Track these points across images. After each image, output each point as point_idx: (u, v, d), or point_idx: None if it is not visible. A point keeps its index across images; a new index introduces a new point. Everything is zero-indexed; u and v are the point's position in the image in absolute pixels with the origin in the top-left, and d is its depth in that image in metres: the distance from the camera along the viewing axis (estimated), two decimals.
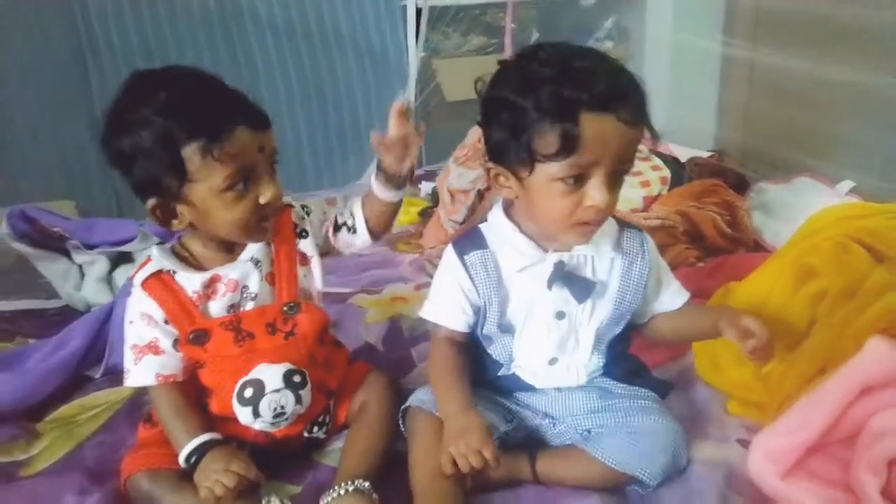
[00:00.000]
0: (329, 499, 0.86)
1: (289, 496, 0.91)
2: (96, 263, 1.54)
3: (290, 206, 0.98)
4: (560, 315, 0.90)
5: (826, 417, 0.87)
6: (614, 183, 0.81)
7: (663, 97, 2.61)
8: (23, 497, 0.95)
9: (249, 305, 0.93)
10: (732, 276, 1.28)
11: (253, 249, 0.93)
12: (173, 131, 0.82)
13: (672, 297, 0.96)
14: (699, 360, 1.16)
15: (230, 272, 0.92)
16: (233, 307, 0.92)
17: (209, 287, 0.91)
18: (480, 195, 1.74)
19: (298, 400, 0.92)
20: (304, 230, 0.98)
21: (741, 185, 1.82)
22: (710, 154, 2.06)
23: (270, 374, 0.91)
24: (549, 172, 0.79)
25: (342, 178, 2.51)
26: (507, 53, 2.51)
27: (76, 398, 1.20)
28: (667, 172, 1.77)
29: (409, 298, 1.50)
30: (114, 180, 2.30)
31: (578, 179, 0.79)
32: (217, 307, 0.92)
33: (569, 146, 0.76)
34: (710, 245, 1.59)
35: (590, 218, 0.82)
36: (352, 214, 1.00)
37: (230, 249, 0.94)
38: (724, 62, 2.36)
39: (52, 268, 1.57)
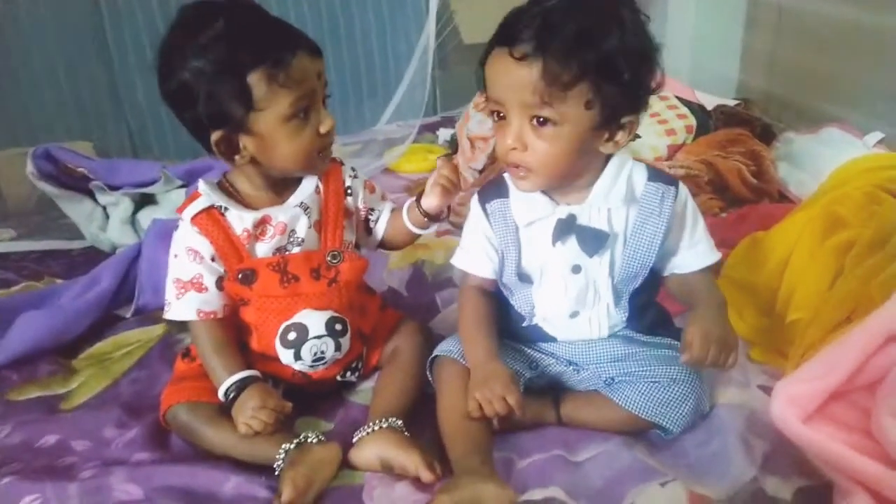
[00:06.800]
0: (363, 434, 0.89)
1: (322, 432, 0.94)
2: (120, 205, 1.55)
3: (342, 163, 0.99)
4: (576, 269, 0.89)
5: (850, 365, 0.88)
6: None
7: (686, 42, 2.55)
8: (66, 428, 0.98)
9: (295, 250, 0.93)
10: (758, 226, 1.27)
11: (303, 195, 0.93)
12: (238, 58, 0.80)
13: (692, 258, 0.91)
14: None
15: (280, 215, 0.92)
16: (278, 250, 0.93)
17: (258, 227, 0.91)
18: None
19: (338, 347, 0.94)
20: (349, 188, 0.98)
21: (767, 135, 1.79)
22: (736, 102, 2.02)
23: (314, 320, 0.92)
24: None
25: (358, 124, 2.47)
26: None
27: (109, 336, 1.23)
28: (692, 121, 1.73)
29: (430, 245, 1.50)
30: (128, 121, 2.30)
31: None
32: (263, 248, 0.92)
33: None
34: (735, 195, 1.58)
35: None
36: (377, 218, 1.02)
37: (279, 192, 0.93)
38: (749, 5, 2.29)
39: (76, 209, 1.58)
